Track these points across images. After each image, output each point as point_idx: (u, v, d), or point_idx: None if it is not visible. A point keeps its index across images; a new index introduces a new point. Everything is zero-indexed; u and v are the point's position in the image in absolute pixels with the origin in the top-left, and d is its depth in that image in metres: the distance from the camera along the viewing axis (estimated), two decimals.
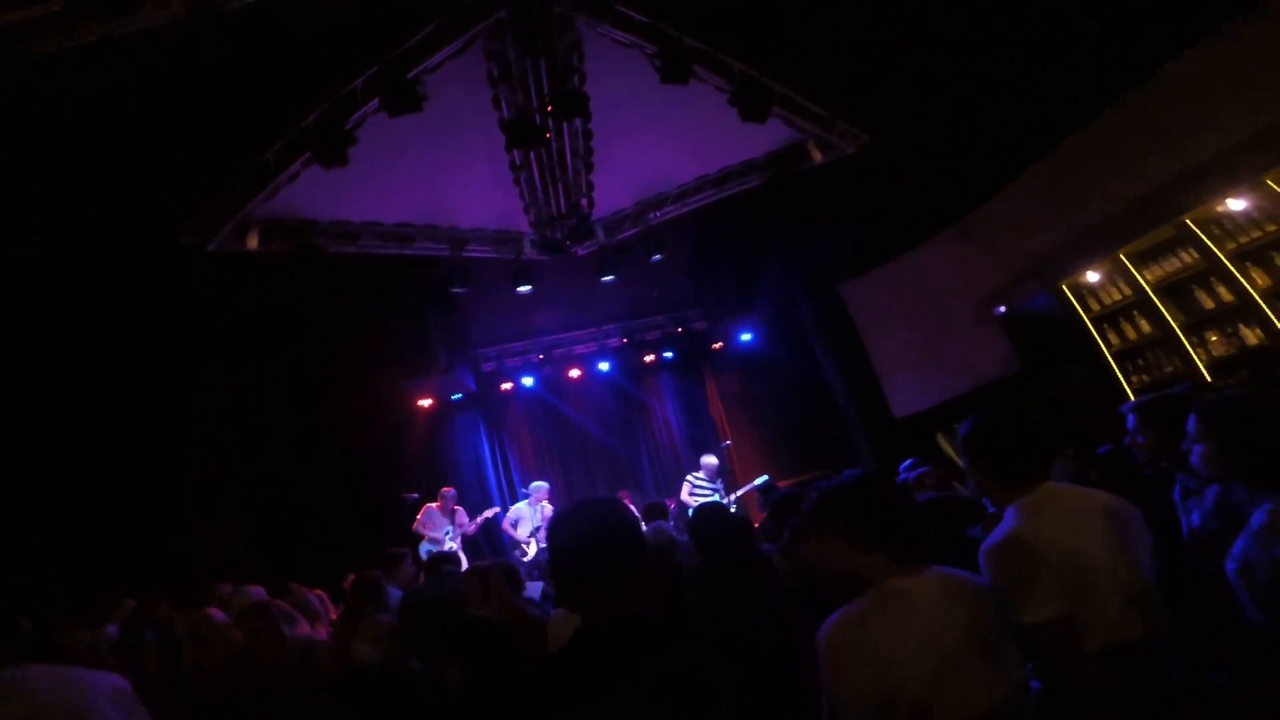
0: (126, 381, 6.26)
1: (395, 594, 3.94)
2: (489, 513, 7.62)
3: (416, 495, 7.42)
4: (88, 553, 5.59)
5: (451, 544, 7.04)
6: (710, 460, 7.85)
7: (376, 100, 4.74)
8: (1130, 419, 2.37)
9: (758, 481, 7.58)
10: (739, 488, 7.94)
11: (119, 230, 5.23)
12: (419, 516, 7.14)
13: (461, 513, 7.34)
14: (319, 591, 4.24)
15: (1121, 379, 5.77)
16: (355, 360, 8.08)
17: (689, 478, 7.84)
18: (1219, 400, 1.84)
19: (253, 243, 6.04)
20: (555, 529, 1.34)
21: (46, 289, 5.39)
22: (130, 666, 3.13)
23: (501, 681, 1.34)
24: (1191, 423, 1.85)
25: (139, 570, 5.40)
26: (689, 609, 3.02)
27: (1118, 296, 5.71)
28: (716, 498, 7.57)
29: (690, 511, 7.48)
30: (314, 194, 5.91)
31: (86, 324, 5.79)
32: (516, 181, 6.63)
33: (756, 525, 5.48)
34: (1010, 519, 1.74)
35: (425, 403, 9.06)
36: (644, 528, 3.98)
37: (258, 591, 4.11)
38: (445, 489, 7.34)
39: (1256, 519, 1.44)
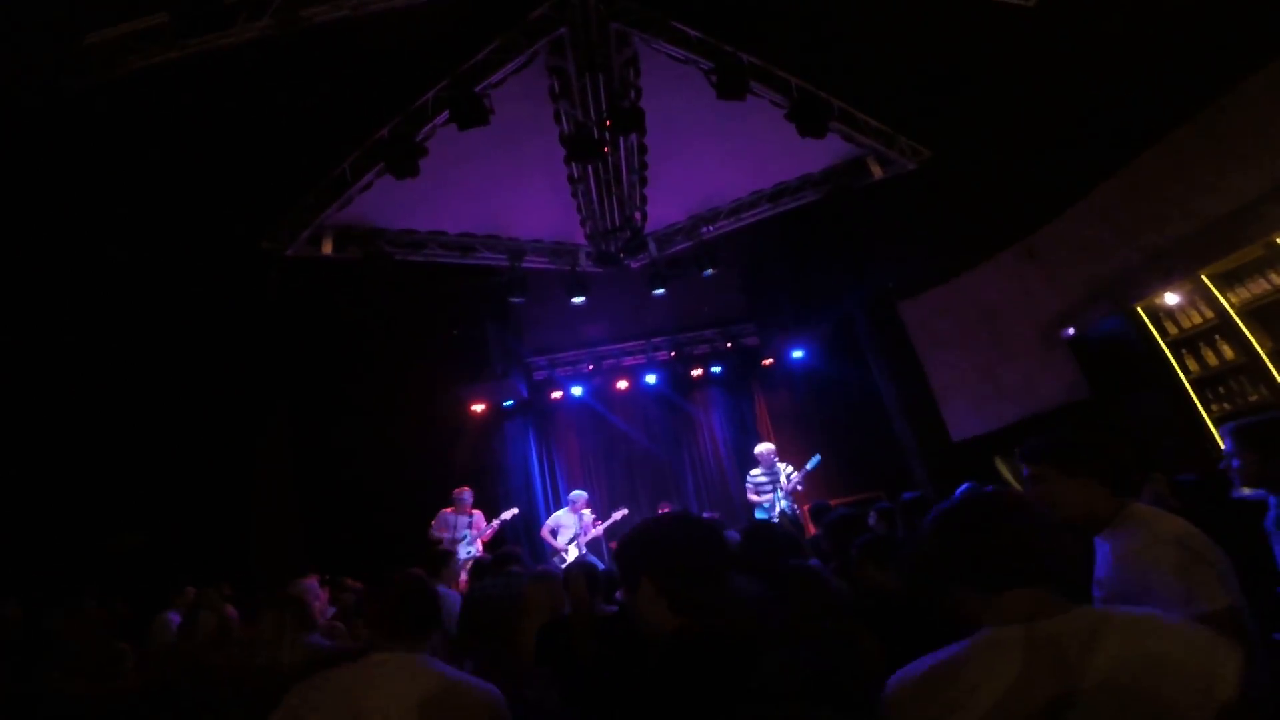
0: (200, 386, 6.70)
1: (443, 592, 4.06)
2: (506, 515, 7.34)
3: (515, 510, 7.48)
4: (158, 549, 5.94)
5: (469, 549, 6.71)
6: (763, 449, 7.62)
7: (445, 113, 4.98)
8: (1228, 441, 2.30)
9: (810, 464, 7.40)
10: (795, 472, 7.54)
11: (201, 238, 5.64)
12: (434, 522, 6.85)
13: (479, 516, 7.02)
14: None
15: (1200, 407, 5.43)
16: (414, 367, 8.42)
17: (749, 477, 7.63)
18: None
19: (327, 249, 6.40)
20: (660, 531, 1.44)
21: (134, 294, 5.83)
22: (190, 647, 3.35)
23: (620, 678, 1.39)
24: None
25: (205, 568, 5.62)
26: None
27: (1198, 320, 5.39)
28: (776, 492, 7.34)
29: (758, 511, 7.42)
30: (383, 203, 6.24)
31: (166, 328, 6.24)
32: (574, 194, 6.82)
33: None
34: (1130, 526, 1.76)
35: (479, 408, 9.33)
36: None
37: (311, 585, 4.30)
38: (460, 490, 7.00)
39: None
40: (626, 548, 1.47)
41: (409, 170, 5.27)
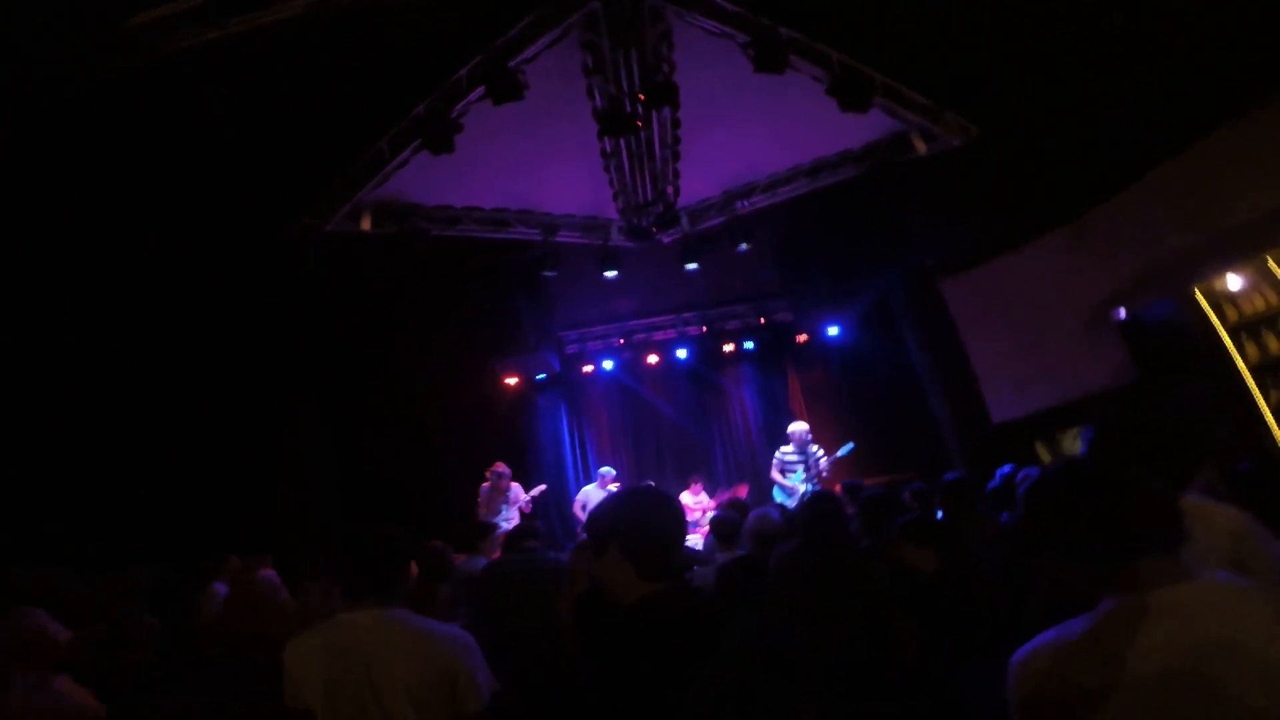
0: (234, 359, 6.89)
1: (483, 564, 4.14)
2: (537, 490, 7.46)
3: (544, 486, 7.62)
4: (191, 522, 6.15)
5: (505, 523, 6.75)
6: (797, 428, 7.54)
7: (480, 89, 4.96)
8: None
9: (842, 451, 7.37)
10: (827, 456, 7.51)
11: (238, 218, 5.77)
12: (479, 500, 7.03)
13: (517, 488, 7.16)
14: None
15: (1258, 395, 5.19)
16: (448, 340, 8.56)
17: (777, 454, 7.59)
18: None
19: (365, 224, 6.50)
20: (628, 502, 1.54)
21: (171, 269, 6.00)
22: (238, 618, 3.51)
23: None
24: None
25: (236, 540, 5.64)
26: (772, 592, 2.92)
27: (1262, 306, 5.13)
28: (800, 472, 7.32)
29: (778, 493, 7.44)
30: (420, 179, 6.28)
31: (203, 305, 6.42)
32: (606, 169, 6.76)
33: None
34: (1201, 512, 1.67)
35: (511, 381, 9.46)
36: (750, 514, 3.86)
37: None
38: (498, 465, 7.12)
39: None
40: (596, 517, 1.56)
41: (445, 146, 5.29)
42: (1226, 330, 5.40)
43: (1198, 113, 4.93)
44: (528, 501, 7.23)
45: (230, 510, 6.35)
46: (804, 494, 7.18)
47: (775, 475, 7.52)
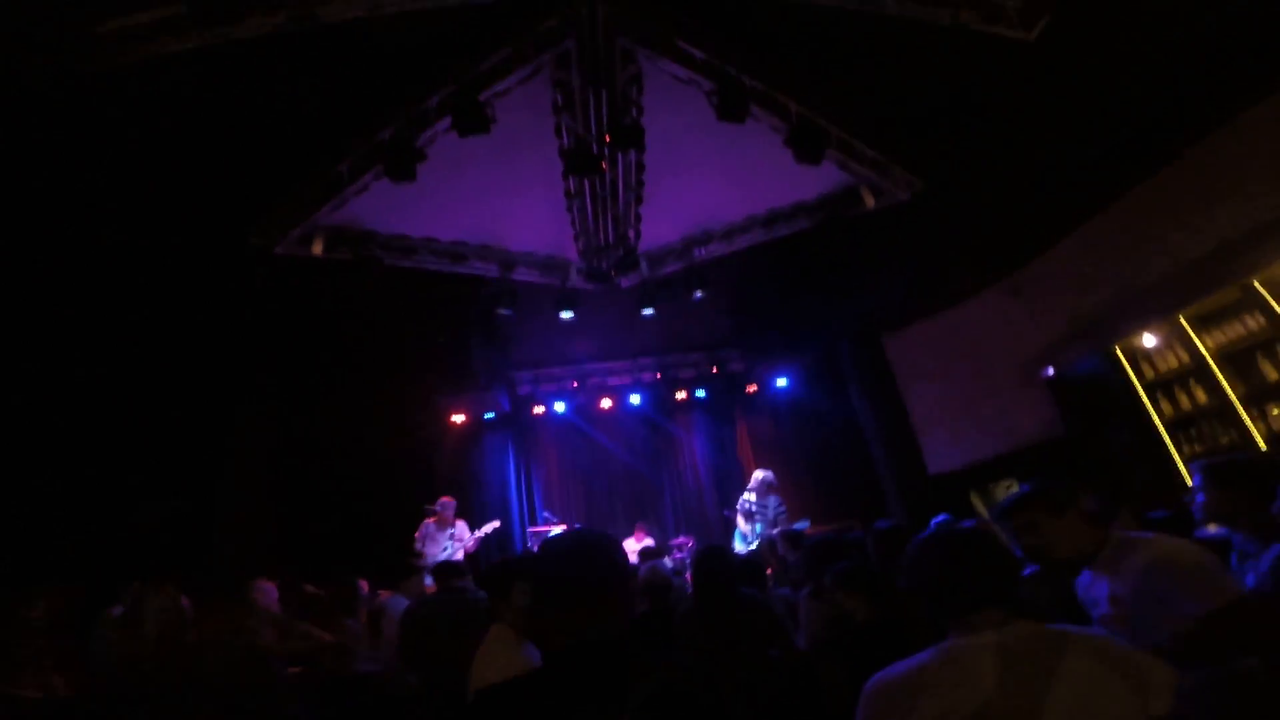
0: (175, 376, 6.49)
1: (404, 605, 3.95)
2: (488, 527, 7.23)
3: (497, 524, 7.38)
4: (115, 546, 5.66)
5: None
6: (759, 475, 7.60)
7: (448, 119, 4.99)
8: (1196, 477, 2.38)
9: (797, 526, 7.41)
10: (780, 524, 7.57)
11: (191, 229, 5.55)
12: (417, 533, 6.83)
13: (462, 526, 6.94)
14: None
15: (1172, 449, 5.55)
16: (397, 372, 8.30)
17: (742, 500, 7.62)
18: None
19: (317, 249, 6.32)
20: (551, 550, 1.42)
21: (117, 279, 5.69)
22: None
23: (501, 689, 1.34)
24: None
25: (163, 564, 5.42)
26: (679, 644, 3.02)
27: (1174, 363, 5.54)
28: (760, 525, 7.35)
29: (737, 538, 7.39)
30: (378, 207, 6.21)
31: (145, 316, 6.07)
32: (569, 209, 6.85)
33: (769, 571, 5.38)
34: (1139, 539, 1.86)
35: (459, 419, 9.22)
36: (641, 568, 4.03)
37: (266, 586, 4.13)
38: (444, 499, 6.95)
39: None
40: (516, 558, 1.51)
41: (407, 175, 5.25)
42: (1143, 387, 5.80)
43: (1123, 169, 5.40)
44: (475, 540, 6.95)
45: (161, 529, 5.85)
46: (765, 538, 7.18)
47: (740, 520, 7.54)
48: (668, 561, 5.71)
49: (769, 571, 5.36)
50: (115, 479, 5.98)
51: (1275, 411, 4.79)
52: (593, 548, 1.40)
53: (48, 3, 3.27)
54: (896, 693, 1.30)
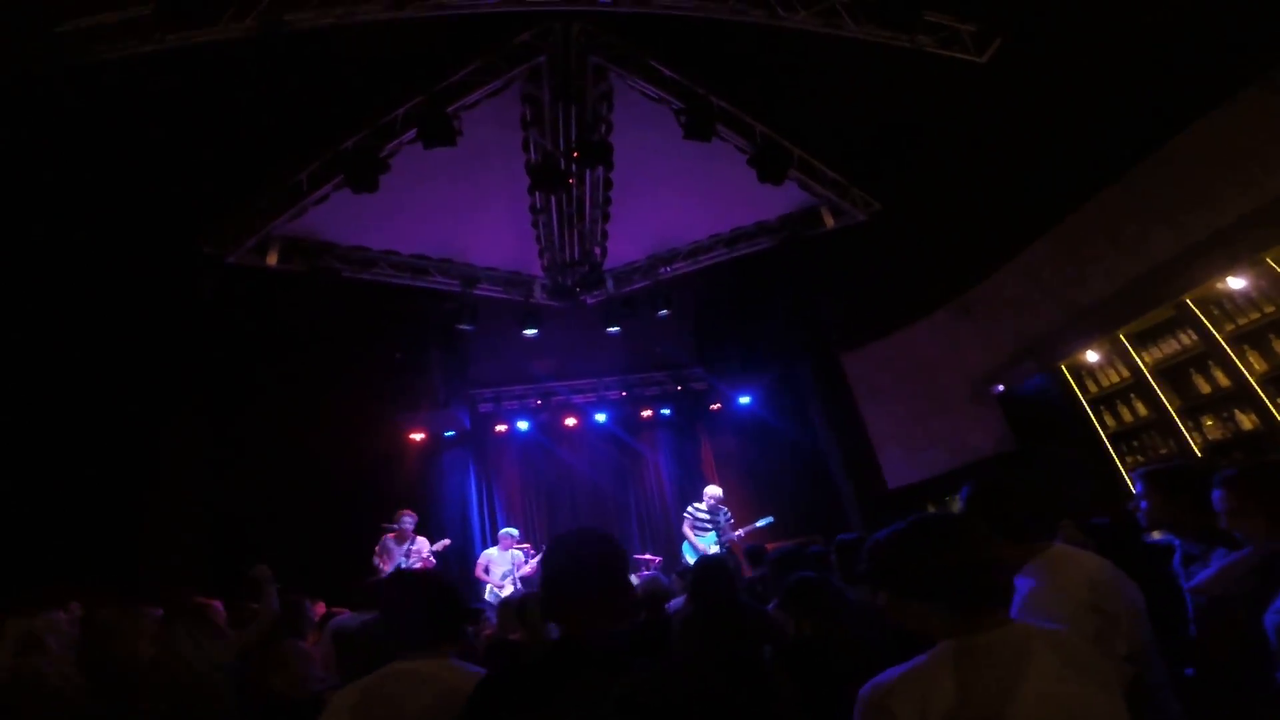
0: (109, 383, 6.10)
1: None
2: (438, 546, 6.99)
3: (448, 541, 7.15)
4: (42, 558, 5.29)
5: None
6: (711, 491, 7.75)
7: (413, 131, 4.94)
8: (1139, 485, 2.46)
9: (761, 522, 7.49)
10: (740, 527, 7.69)
11: (136, 233, 5.29)
12: (376, 548, 6.57)
13: (422, 542, 6.71)
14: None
15: (1116, 460, 5.81)
16: (352, 387, 8.03)
17: (690, 509, 7.73)
18: (1243, 473, 1.95)
19: (271, 259, 6.14)
20: (558, 549, 1.51)
21: (53, 279, 5.36)
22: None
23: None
24: (1221, 497, 1.97)
25: (90, 579, 5.06)
26: (674, 650, 3.03)
27: (1115, 379, 5.82)
28: (713, 534, 7.47)
29: (687, 550, 7.41)
30: (337, 218, 6.07)
31: (81, 320, 5.73)
32: (534, 225, 6.84)
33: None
34: (1036, 573, 1.82)
35: (417, 436, 8.98)
36: (639, 578, 4.07)
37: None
38: (404, 513, 6.69)
39: None
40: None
41: (369, 185, 5.16)
42: (1088, 402, 6.07)
43: (1066, 191, 5.68)
44: (430, 556, 6.73)
45: (84, 542, 5.44)
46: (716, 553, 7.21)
47: (687, 531, 7.59)
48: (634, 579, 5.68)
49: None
50: (35, 485, 5.56)
51: (1209, 422, 5.08)
52: (593, 550, 1.47)
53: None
54: (885, 699, 1.27)
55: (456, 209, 6.58)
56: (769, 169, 5.33)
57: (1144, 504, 2.41)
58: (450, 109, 4.82)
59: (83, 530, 5.53)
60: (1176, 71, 4.31)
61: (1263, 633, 1.69)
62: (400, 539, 6.55)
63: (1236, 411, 4.86)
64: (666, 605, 3.83)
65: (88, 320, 5.68)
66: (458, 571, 7.89)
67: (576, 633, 1.36)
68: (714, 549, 7.36)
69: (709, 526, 7.52)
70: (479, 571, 7.37)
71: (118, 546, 5.79)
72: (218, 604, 3.70)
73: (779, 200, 6.50)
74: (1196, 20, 3.89)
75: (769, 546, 7.18)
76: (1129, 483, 5.57)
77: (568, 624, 1.39)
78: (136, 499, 6.24)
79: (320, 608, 4.54)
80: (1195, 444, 5.11)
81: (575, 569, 1.42)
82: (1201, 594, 2.19)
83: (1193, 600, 2.24)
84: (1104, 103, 4.71)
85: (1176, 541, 2.39)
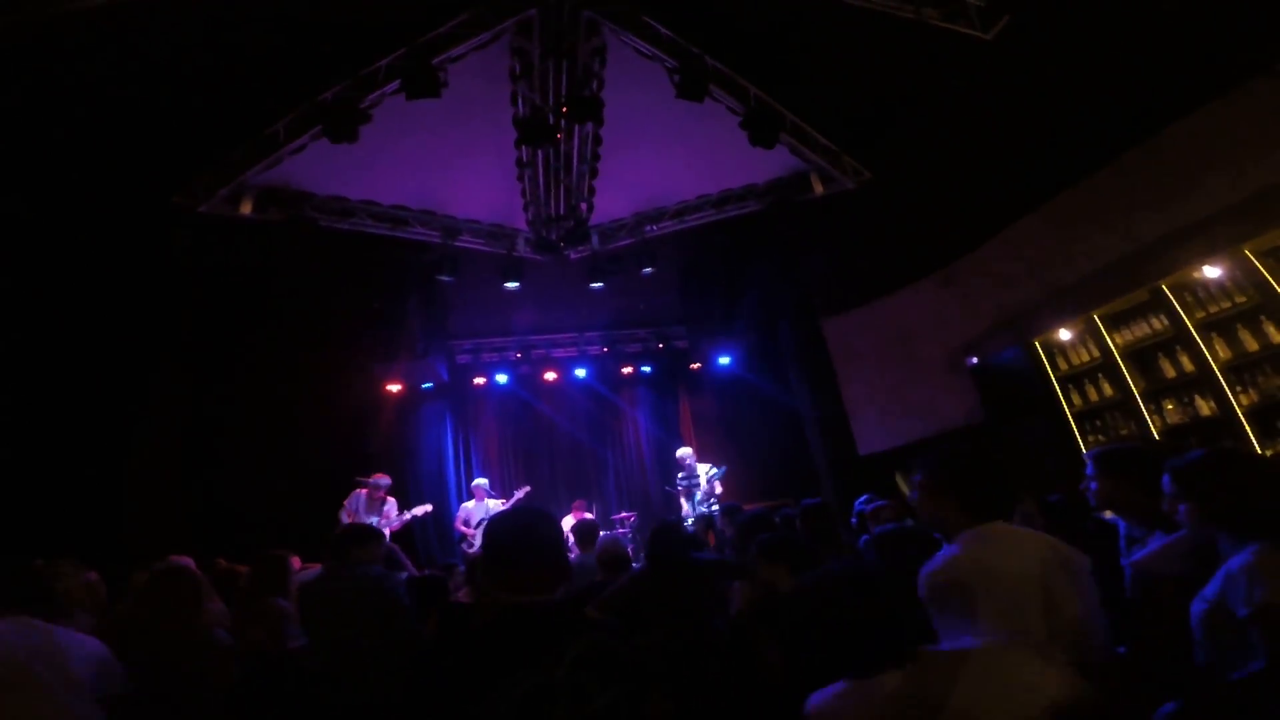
0: (83, 341, 5.93)
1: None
2: (419, 510, 7.04)
3: (429, 508, 7.19)
4: (18, 522, 5.23)
5: None
6: (682, 453, 8.11)
7: (396, 82, 4.73)
8: (1089, 465, 2.53)
9: (715, 473, 7.85)
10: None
11: (110, 188, 5.05)
12: (346, 501, 6.58)
13: (392, 504, 6.73)
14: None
15: (1079, 438, 6.02)
16: (329, 338, 7.90)
17: (679, 477, 8.05)
18: (1190, 460, 1.98)
19: (246, 209, 5.93)
20: (498, 524, 1.60)
21: (23, 238, 5.13)
22: None
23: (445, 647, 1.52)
24: (1168, 483, 2.00)
25: (70, 541, 5.02)
26: (639, 613, 3.12)
27: (1086, 358, 5.96)
28: (697, 494, 7.79)
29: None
30: (315, 167, 5.86)
31: (51, 275, 5.50)
32: (520, 178, 6.67)
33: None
34: (955, 546, 1.89)
35: (394, 388, 8.93)
36: (599, 539, 4.19)
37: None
38: (379, 476, 6.70)
39: (1239, 560, 1.53)
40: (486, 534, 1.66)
41: (348, 136, 4.96)
42: (1057, 379, 6.23)
43: (1057, 170, 5.67)
44: (401, 522, 6.75)
45: (65, 501, 5.39)
46: (699, 514, 7.44)
47: (682, 500, 7.88)
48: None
49: (711, 544, 5.55)
50: (14, 449, 5.46)
51: (1169, 406, 5.27)
52: (532, 525, 1.56)
53: None
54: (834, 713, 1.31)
55: (439, 160, 6.38)
56: (761, 132, 5.22)
57: (1093, 485, 2.45)
58: (436, 60, 4.61)
59: (64, 493, 5.45)
60: (1178, 60, 4.27)
61: (1188, 616, 1.77)
62: (372, 501, 6.56)
63: (1197, 397, 5.03)
64: (631, 566, 3.93)
65: (62, 277, 5.46)
66: (433, 527, 8.00)
67: (517, 600, 1.43)
68: (699, 509, 7.58)
69: (694, 488, 7.76)
70: (459, 525, 7.50)
71: (100, 507, 5.73)
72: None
73: (769, 164, 6.40)
74: (1204, 10, 3.82)
75: (745, 507, 7.43)
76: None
77: (508, 590, 1.46)
78: (116, 461, 6.13)
79: (295, 562, 4.58)
80: (1154, 427, 5.30)
81: (513, 541, 1.52)
82: (1138, 571, 2.30)
83: (1129, 577, 2.37)
84: (1103, 86, 4.65)
85: (1121, 524, 2.46)
